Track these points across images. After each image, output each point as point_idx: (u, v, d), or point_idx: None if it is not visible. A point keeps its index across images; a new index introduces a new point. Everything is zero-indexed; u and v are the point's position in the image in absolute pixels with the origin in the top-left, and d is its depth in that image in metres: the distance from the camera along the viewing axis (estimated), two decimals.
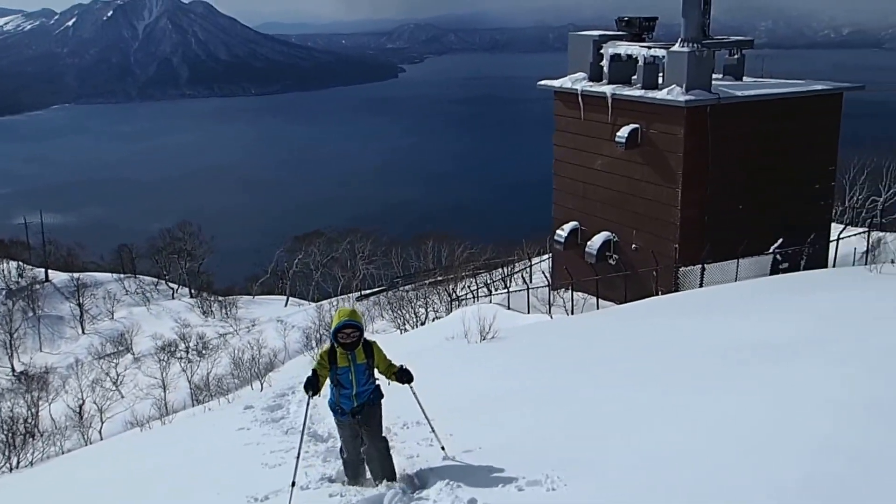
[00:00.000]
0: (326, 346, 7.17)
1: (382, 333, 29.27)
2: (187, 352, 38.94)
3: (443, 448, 7.60)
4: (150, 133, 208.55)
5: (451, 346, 16.80)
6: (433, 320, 28.75)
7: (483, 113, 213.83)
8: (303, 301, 52.93)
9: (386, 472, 7.06)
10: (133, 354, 41.80)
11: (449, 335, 18.29)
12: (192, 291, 56.60)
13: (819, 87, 26.19)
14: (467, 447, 7.66)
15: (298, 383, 14.02)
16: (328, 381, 7.04)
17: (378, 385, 7.20)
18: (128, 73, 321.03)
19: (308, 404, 7.42)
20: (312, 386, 6.95)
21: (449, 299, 31.50)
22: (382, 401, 7.19)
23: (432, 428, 7.70)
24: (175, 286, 57.73)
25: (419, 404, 7.57)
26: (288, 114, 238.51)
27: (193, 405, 27.26)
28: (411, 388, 7.41)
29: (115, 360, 38.94)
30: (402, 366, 7.38)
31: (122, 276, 56.52)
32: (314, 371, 6.99)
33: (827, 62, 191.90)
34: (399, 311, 31.76)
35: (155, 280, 57.67)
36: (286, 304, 52.02)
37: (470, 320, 16.48)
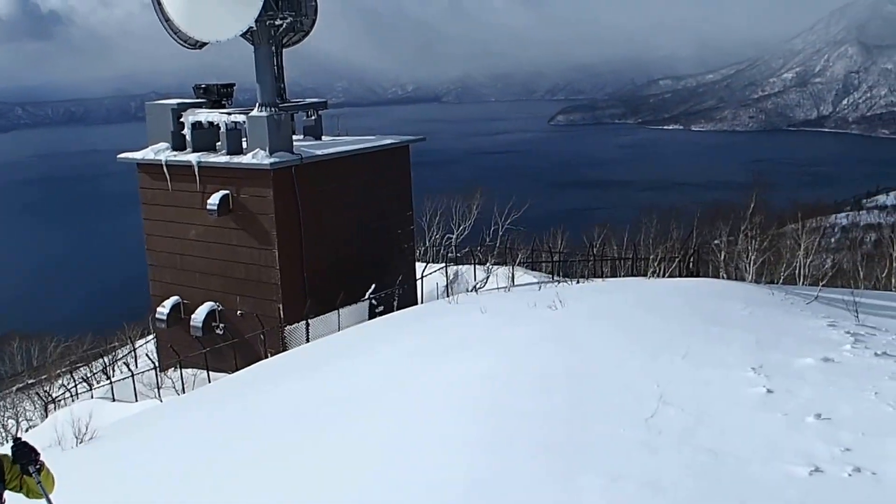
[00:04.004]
0: None
1: None
2: None
3: None
4: None
5: (45, 457, 14.80)
6: (26, 430, 25.19)
7: (60, 192, 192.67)
8: None
9: None
10: None
11: (45, 444, 16.14)
12: None
13: (389, 140, 28.72)
14: None
15: None
16: None
17: None
18: None
19: None
20: None
21: (43, 403, 27.91)
22: None
23: None
24: None
25: None
26: None
27: None
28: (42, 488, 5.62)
29: None
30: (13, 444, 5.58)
31: None
32: None
33: (396, 117, 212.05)
34: None
35: None
36: None
37: (63, 424, 14.72)
